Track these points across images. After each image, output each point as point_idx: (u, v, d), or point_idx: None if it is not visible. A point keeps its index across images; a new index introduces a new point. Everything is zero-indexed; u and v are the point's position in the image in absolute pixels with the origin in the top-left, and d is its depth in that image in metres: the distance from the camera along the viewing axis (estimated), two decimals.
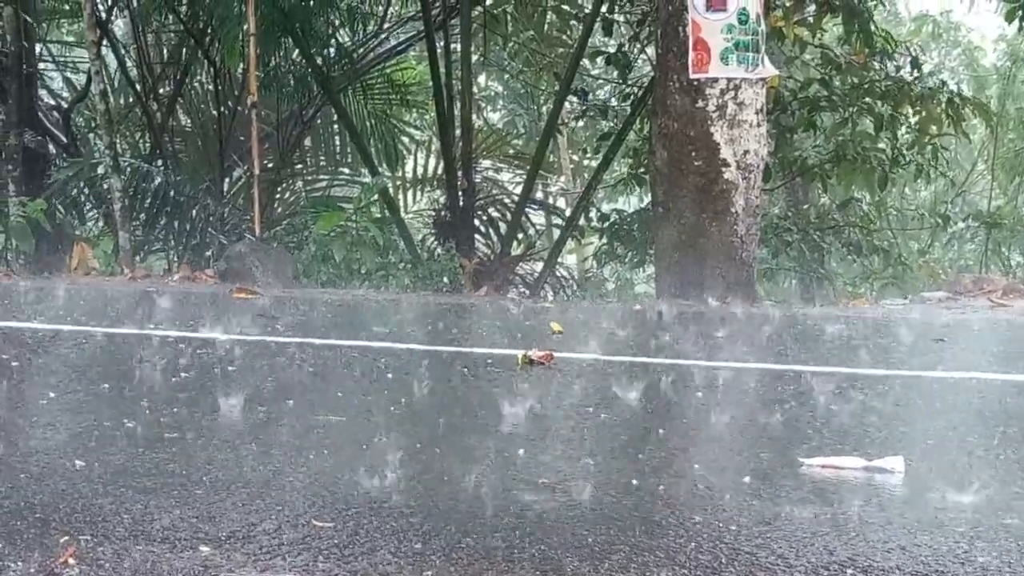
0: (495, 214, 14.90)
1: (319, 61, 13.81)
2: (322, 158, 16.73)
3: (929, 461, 3.77)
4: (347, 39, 15.36)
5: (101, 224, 14.28)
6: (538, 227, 17.05)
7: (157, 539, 2.86)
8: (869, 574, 2.68)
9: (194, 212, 13.07)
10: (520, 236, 14.96)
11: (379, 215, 13.54)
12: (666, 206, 9.14)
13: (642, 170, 13.17)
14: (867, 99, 12.52)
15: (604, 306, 8.87)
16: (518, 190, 15.59)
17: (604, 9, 13.51)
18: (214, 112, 14.86)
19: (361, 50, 15.36)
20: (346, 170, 16.62)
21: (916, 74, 12.83)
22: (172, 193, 13.03)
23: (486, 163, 16.77)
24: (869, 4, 12.74)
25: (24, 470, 3.48)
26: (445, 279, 11.29)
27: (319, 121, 15.89)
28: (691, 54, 8.76)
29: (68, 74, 16.42)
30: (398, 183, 16.73)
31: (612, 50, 13.79)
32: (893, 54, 13.06)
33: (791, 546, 2.84)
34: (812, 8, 12.59)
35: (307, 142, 16.33)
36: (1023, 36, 15.72)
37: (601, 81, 16.50)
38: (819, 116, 12.65)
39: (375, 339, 6.14)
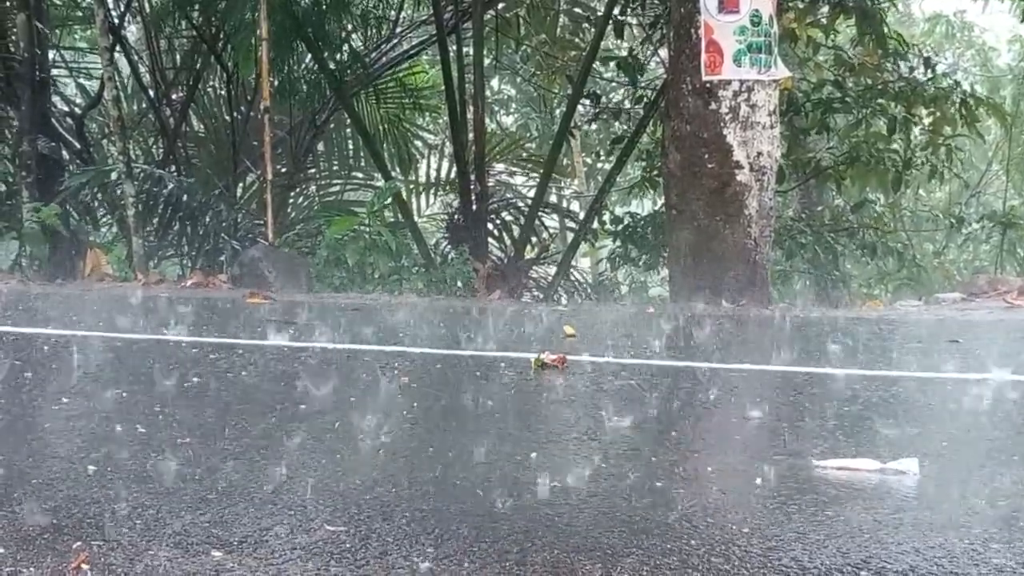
0: (508, 218, 14.91)
1: (332, 66, 13.83)
2: (335, 163, 16.74)
3: (943, 463, 3.75)
4: (360, 44, 15.37)
5: (115, 230, 14.31)
6: (551, 231, 17.04)
7: (169, 544, 2.86)
8: None
9: (207, 217, 13.09)
10: (533, 240, 14.94)
11: (392, 219, 13.59)
12: (679, 209, 9.13)
13: (655, 173, 13.16)
14: (880, 100, 12.48)
15: (617, 309, 8.86)
16: (531, 193, 15.60)
17: (616, 12, 13.50)
18: (227, 117, 14.89)
19: (374, 54, 15.38)
20: (359, 174, 16.63)
21: (929, 75, 12.79)
22: (185, 199, 13.06)
23: (499, 167, 16.77)
24: (882, 5, 12.71)
25: (37, 475, 3.48)
26: (458, 283, 11.28)
27: (332, 126, 15.90)
28: (704, 56, 8.76)
29: (81, 80, 16.46)
30: (411, 187, 16.72)
31: (625, 53, 13.76)
32: (906, 55, 13.02)
33: (804, 548, 2.82)
34: (825, 9, 12.58)
35: (320, 147, 16.34)
36: None
37: (614, 84, 16.49)
38: (832, 118, 12.60)
39: (388, 343, 6.13)
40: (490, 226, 14.07)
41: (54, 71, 14.70)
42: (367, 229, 10.79)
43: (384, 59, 15.49)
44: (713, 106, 8.79)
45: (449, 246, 13.60)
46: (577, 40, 15.67)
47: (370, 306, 8.35)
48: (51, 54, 14.51)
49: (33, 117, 12.71)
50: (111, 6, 13.94)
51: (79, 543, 2.86)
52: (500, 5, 14.92)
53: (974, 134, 13.23)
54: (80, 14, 15.77)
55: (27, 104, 12.70)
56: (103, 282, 10.57)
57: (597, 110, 14.77)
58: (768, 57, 8.76)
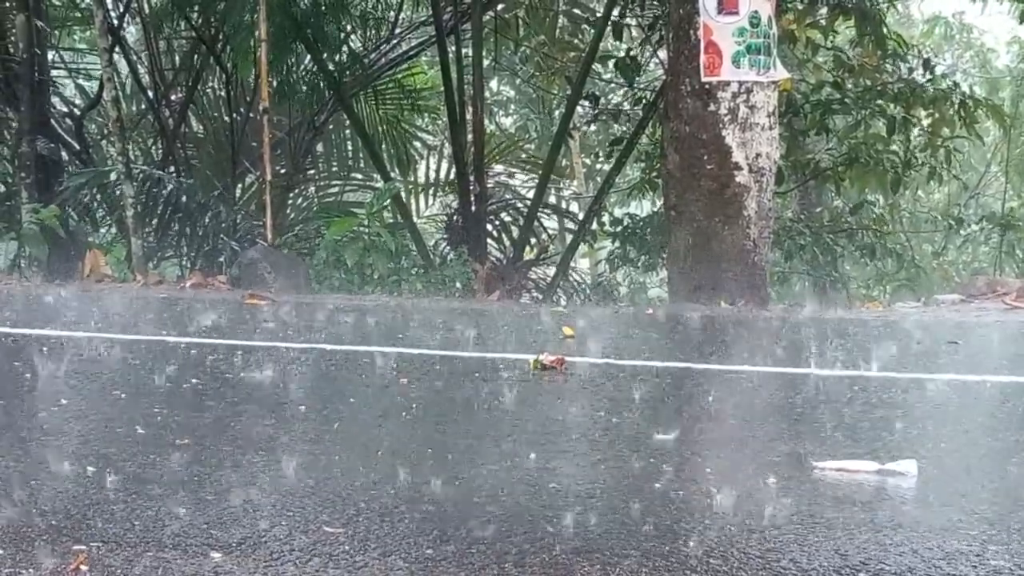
0: (507, 219, 14.91)
1: (331, 67, 13.83)
2: (334, 164, 16.71)
3: (942, 464, 3.75)
4: (359, 45, 15.36)
5: (114, 231, 14.29)
6: (550, 231, 17.04)
7: (168, 545, 2.86)
8: None
9: (206, 218, 13.07)
10: (532, 241, 14.94)
11: (391, 220, 13.57)
12: (678, 210, 9.13)
13: (654, 174, 13.16)
14: (879, 101, 12.48)
15: (616, 310, 8.86)
16: (530, 195, 15.58)
17: (615, 13, 13.50)
18: (226, 118, 14.87)
19: (373, 55, 15.37)
20: (358, 175, 16.60)
21: (928, 76, 12.80)
22: (184, 199, 13.04)
23: (498, 168, 16.75)
24: (881, 6, 12.71)
25: (36, 477, 3.48)
26: (457, 284, 11.28)
27: (331, 127, 15.87)
28: (703, 57, 8.76)
29: (80, 81, 16.45)
30: (410, 188, 16.70)
31: (623, 54, 13.76)
32: (905, 56, 13.03)
33: (803, 550, 2.83)
34: (824, 11, 12.58)
35: (319, 148, 16.30)
36: None
37: (613, 85, 16.47)
38: (831, 119, 12.61)
39: (387, 344, 6.14)
40: (489, 227, 14.06)
41: (53, 72, 14.70)
42: (366, 230, 10.77)
43: (383, 60, 15.47)
44: (712, 107, 8.79)
45: (448, 247, 13.59)
46: (576, 41, 15.66)
47: (369, 307, 8.35)
48: (50, 55, 14.50)
49: (32, 118, 12.69)
50: (110, 7, 13.93)
51: (79, 544, 2.86)
52: (499, 6, 14.90)
53: (973, 135, 13.24)
54: (79, 15, 15.74)
55: (26, 105, 12.68)
56: (102, 283, 10.56)
57: (596, 111, 14.76)
58: (767, 58, 8.76)
